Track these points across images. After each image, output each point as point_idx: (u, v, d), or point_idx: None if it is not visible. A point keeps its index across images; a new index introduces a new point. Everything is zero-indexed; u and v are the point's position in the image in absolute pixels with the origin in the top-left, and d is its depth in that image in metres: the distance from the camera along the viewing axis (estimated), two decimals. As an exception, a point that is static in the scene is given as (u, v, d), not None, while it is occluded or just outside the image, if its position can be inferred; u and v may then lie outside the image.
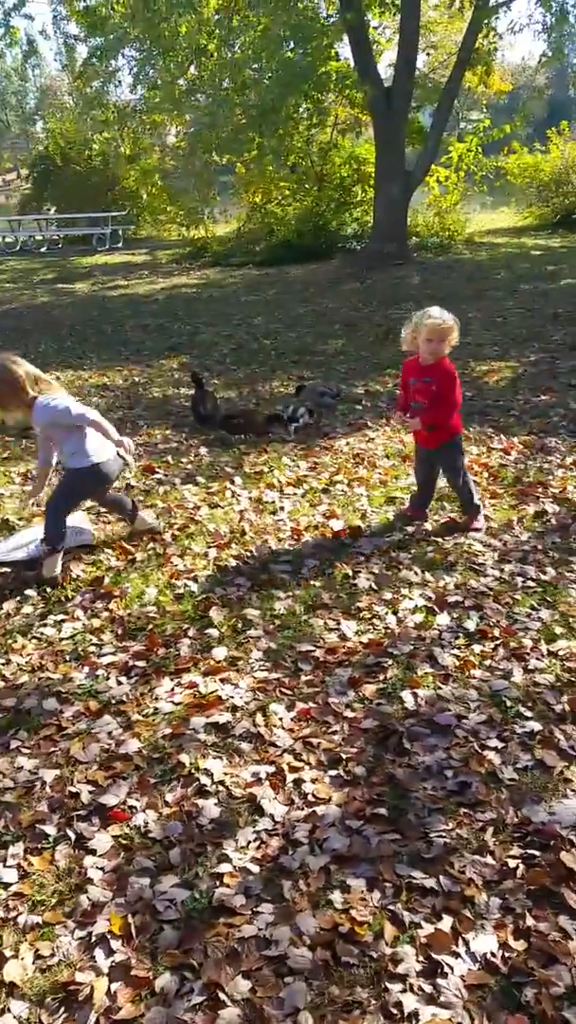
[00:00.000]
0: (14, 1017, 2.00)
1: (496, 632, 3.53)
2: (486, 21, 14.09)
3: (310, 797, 2.66)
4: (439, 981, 2.04)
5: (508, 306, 10.78)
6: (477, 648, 3.43)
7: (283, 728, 2.99)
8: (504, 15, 15.45)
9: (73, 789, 2.72)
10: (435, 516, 4.67)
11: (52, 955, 2.16)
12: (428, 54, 21.39)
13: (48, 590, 4.02)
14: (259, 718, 3.04)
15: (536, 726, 2.92)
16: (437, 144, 15.10)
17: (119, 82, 17.74)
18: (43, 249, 22.14)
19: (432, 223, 17.96)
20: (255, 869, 2.39)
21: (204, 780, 2.74)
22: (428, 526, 4.55)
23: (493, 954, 2.10)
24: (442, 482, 4.67)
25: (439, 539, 4.38)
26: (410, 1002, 1.99)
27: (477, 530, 4.44)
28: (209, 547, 4.42)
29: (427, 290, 12.27)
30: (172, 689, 3.24)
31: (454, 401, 4.27)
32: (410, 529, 4.52)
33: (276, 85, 13.86)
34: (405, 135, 14.94)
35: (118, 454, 4.07)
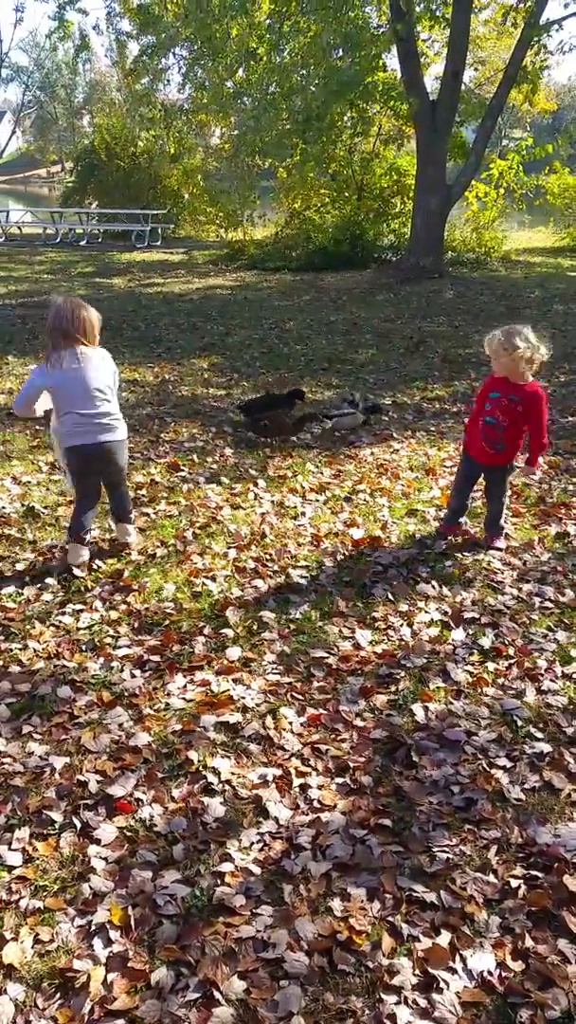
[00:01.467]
0: (11, 999, 2.02)
1: (511, 651, 3.52)
2: (536, 39, 14.05)
3: (315, 803, 2.66)
4: (434, 996, 2.03)
5: (541, 326, 10.69)
6: (491, 666, 3.42)
7: (292, 732, 3.00)
8: (556, 33, 15.49)
9: (82, 778, 2.75)
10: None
11: (51, 940, 2.18)
12: (475, 69, 21.40)
13: (68, 579, 4.05)
14: (269, 721, 3.05)
15: (546, 747, 2.91)
16: (479, 160, 15.07)
17: (167, 81, 17.91)
18: (83, 243, 22.29)
19: (469, 239, 17.93)
20: (257, 870, 2.40)
21: (211, 778, 2.75)
22: (451, 539, 4.54)
23: (490, 973, 2.10)
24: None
25: (458, 554, 4.38)
26: (404, 1015, 1.99)
27: (499, 549, 4.43)
28: (229, 547, 4.44)
29: (460, 305, 12.25)
30: (184, 686, 3.26)
31: (544, 423, 4.20)
32: (429, 542, 4.51)
33: (322, 92, 13.90)
34: (447, 149, 14.93)
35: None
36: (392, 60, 15.31)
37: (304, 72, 14.93)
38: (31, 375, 4.06)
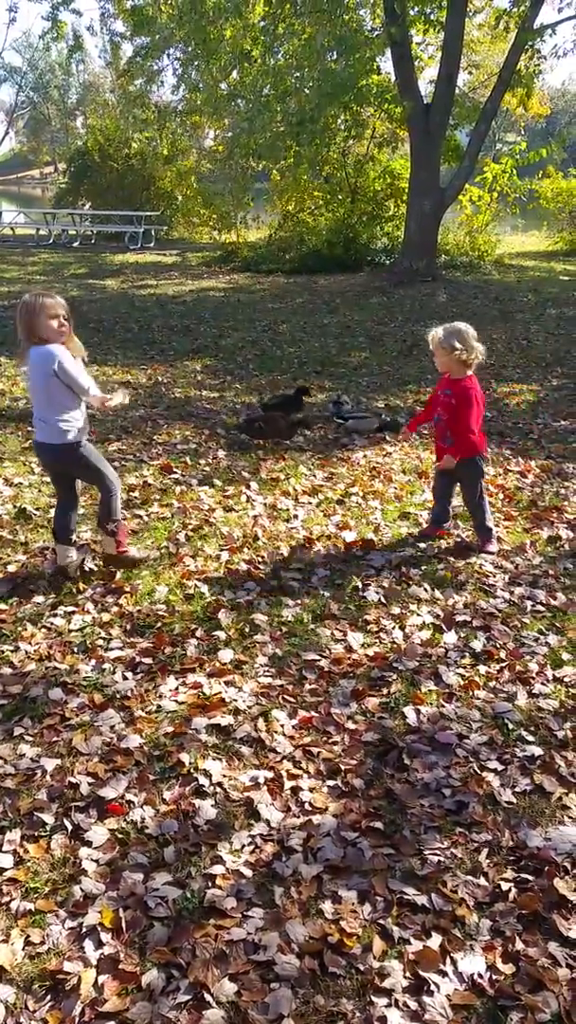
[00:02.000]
0: (1, 1002, 2.02)
1: (502, 654, 3.53)
2: (530, 43, 14.10)
3: (307, 805, 2.66)
4: (425, 998, 2.04)
5: (533, 330, 10.78)
6: (482, 669, 3.43)
7: (284, 735, 3.00)
8: (550, 38, 15.54)
9: (73, 780, 2.74)
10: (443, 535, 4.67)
11: (42, 943, 2.17)
12: (469, 73, 21.47)
13: (60, 581, 4.05)
14: (261, 723, 3.06)
15: (537, 751, 2.92)
16: (472, 163, 15.12)
17: (161, 82, 17.83)
18: (76, 244, 22.28)
19: (462, 242, 17.98)
20: (248, 873, 2.40)
21: (203, 781, 2.75)
22: (443, 543, 4.55)
23: (480, 976, 2.10)
24: (457, 500, 4.67)
25: (451, 558, 4.39)
26: (395, 1017, 1.99)
27: (491, 553, 4.44)
28: (222, 550, 4.44)
29: (453, 308, 12.29)
30: (176, 688, 3.26)
31: (467, 417, 4.26)
32: (422, 545, 4.53)
33: (316, 95, 13.92)
34: (441, 152, 14.97)
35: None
36: (386, 63, 15.37)
37: (298, 74, 14.94)
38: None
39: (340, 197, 18.39)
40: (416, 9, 14.00)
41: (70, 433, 3.85)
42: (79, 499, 4.29)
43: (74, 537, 4.22)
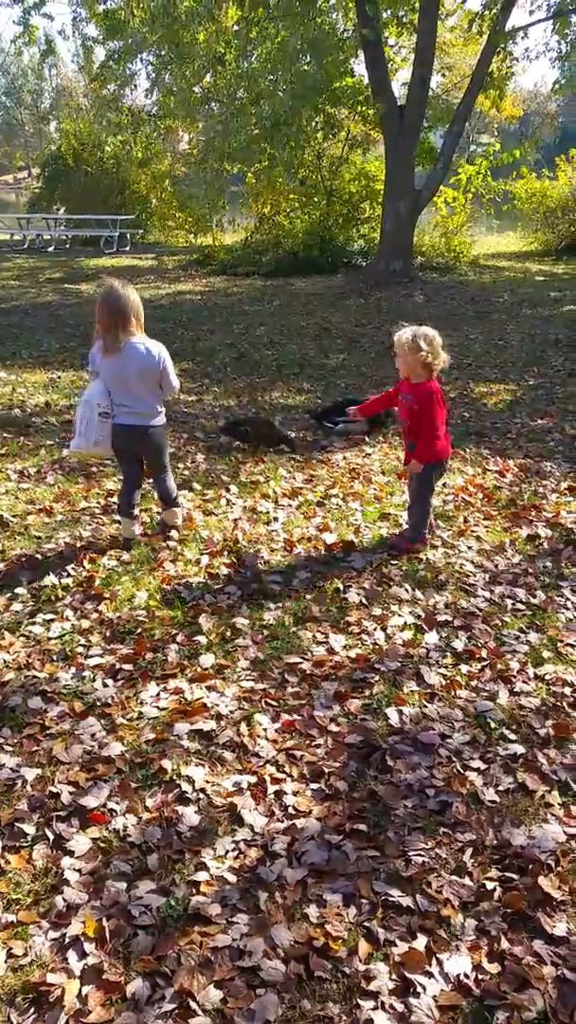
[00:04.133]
0: (-17, 1016, 2.00)
1: (483, 653, 3.54)
2: (502, 46, 14.19)
3: (291, 809, 2.66)
4: (411, 1000, 2.03)
5: (510, 330, 10.83)
6: (464, 668, 3.44)
7: (267, 739, 2.99)
8: (520, 41, 15.79)
9: (54, 789, 2.72)
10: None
11: (25, 955, 2.15)
12: (443, 75, 21.58)
13: (38, 589, 4.02)
14: (243, 728, 3.04)
15: (519, 749, 2.93)
16: (447, 165, 15.18)
17: (135, 86, 17.70)
18: (50, 248, 22.15)
19: (438, 244, 18.03)
20: (232, 879, 2.39)
21: (185, 787, 2.74)
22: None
23: (466, 976, 2.10)
24: (436, 501, 4.68)
25: (431, 558, 4.40)
26: (381, 1020, 1.99)
27: (399, 550, 4.43)
28: (202, 554, 4.42)
29: (430, 309, 12.33)
30: (158, 694, 3.24)
31: (431, 421, 4.22)
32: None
33: (290, 97, 13.93)
34: (416, 154, 15.03)
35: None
36: (359, 66, 15.41)
37: (272, 77, 14.92)
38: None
39: (316, 199, 18.40)
40: (388, 12, 14.05)
41: (160, 417, 4.37)
42: (143, 478, 4.62)
43: (135, 511, 4.59)
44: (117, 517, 4.72)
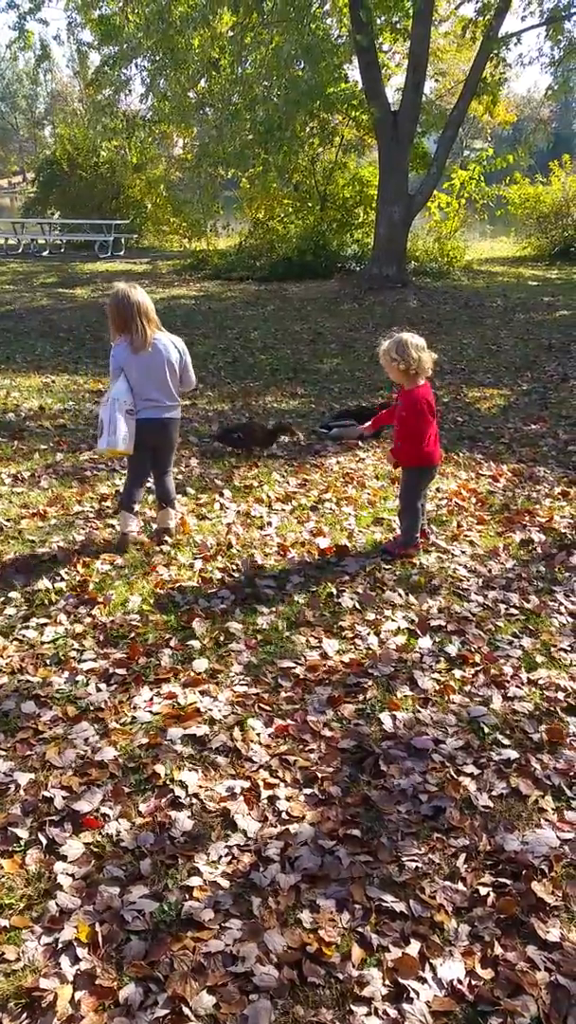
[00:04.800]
0: (-25, 1023, 1.99)
1: (477, 658, 3.54)
2: (495, 51, 14.25)
3: (284, 815, 2.65)
4: (404, 1006, 2.03)
5: (503, 335, 10.86)
6: (457, 673, 3.44)
7: (260, 744, 2.99)
8: (514, 47, 15.76)
9: (47, 794, 2.71)
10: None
11: (17, 960, 2.14)
12: (436, 81, 21.70)
13: (32, 593, 4.01)
14: (236, 732, 3.04)
15: (513, 754, 2.93)
16: (440, 170, 15.23)
17: (129, 91, 17.74)
18: (45, 253, 22.16)
19: (431, 248, 18.09)
20: (225, 884, 2.38)
21: (179, 792, 2.73)
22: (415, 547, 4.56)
23: (460, 981, 2.10)
24: (430, 505, 4.69)
25: (424, 562, 4.40)
26: (374, 1025, 1.98)
27: (392, 554, 4.44)
28: (195, 558, 4.42)
29: (423, 314, 12.36)
30: (151, 699, 3.24)
31: (413, 427, 4.26)
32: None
33: (284, 102, 13.96)
34: (409, 159, 15.07)
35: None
36: (353, 71, 15.45)
37: (266, 83, 14.96)
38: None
39: (310, 204, 18.46)
40: (382, 18, 14.09)
41: (179, 410, 4.52)
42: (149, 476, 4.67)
43: (137, 507, 4.64)
44: (117, 514, 4.74)
